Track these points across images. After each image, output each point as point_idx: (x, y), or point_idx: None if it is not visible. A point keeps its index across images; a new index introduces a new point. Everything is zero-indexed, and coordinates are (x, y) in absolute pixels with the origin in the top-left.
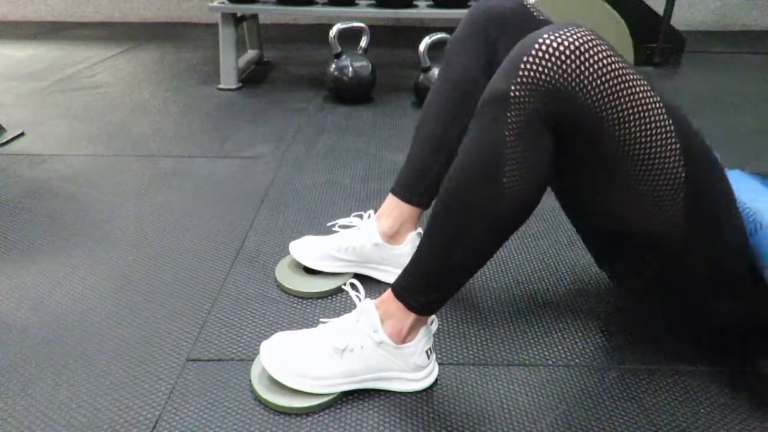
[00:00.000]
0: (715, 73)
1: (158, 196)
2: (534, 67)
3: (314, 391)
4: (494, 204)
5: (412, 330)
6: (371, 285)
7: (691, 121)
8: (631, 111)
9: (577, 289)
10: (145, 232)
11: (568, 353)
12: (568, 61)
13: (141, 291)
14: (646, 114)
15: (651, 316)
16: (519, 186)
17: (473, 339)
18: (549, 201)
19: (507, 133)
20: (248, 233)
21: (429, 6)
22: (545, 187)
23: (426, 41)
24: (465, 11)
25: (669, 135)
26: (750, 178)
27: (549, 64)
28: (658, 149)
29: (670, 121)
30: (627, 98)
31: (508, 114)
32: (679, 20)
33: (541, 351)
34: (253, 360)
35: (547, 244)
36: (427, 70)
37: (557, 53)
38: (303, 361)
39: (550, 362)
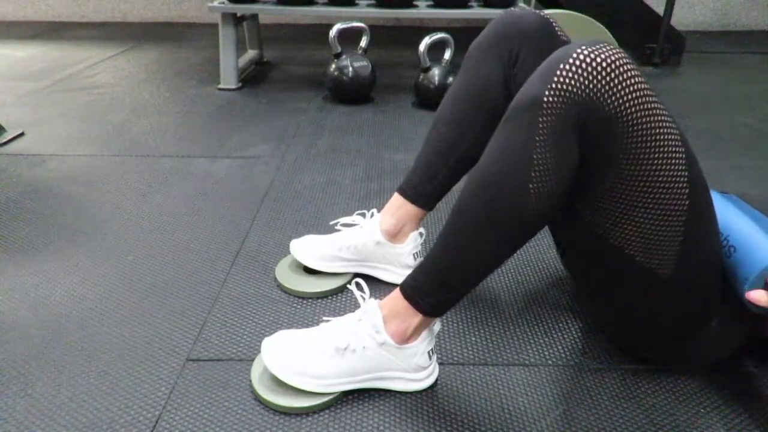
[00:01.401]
0: (715, 73)
1: (158, 195)
2: (569, 75)
3: (315, 390)
4: (518, 207)
5: (416, 331)
6: (371, 285)
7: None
8: (651, 135)
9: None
10: (145, 231)
11: (568, 353)
12: (603, 73)
13: (141, 291)
14: (665, 137)
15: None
16: (544, 191)
17: (473, 339)
18: None
19: (538, 137)
20: (248, 233)
21: (429, 6)
22: (566, 196)
23: (426, 41)
24: (465, 11)
25: (680, 160)
26: (717, 196)
27: (585, 74)
28: (669, 180)
29: (682, 149)
30: (650, 121)
31: (540, 119)
32: (679, 20)
33: (541, 351)
34: (253, 360)
35: (547, 244)
36: (427, 70)
37: (594, 64)
38: (304, 359)
39: (550, 362)
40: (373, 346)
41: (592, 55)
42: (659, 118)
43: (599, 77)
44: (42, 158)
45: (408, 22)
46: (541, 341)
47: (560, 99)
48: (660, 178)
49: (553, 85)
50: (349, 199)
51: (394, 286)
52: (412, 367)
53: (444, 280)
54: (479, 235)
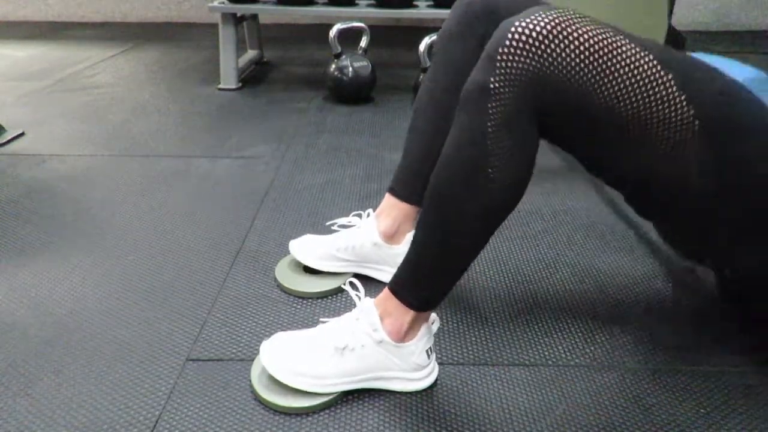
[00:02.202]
0: None
1: (158, 195)
2: (510, 57)
3: (314, 391)
4: (481, 195)
5: (412, 328)
6: (371, 285)
7: (704, 65)
8: (620, 77)
9: (577, 289)
10: (145, 232)
11: (568, 353)
12: (543, 47)
13: (141, 291)
14: (638, 75)
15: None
16: (505, 176)
17: (473, 339)
18: (549, 201)
19: (489, 124)
20: (248, 233)
21: (429, 6)
22: (531, 174)
23: (426, 41)
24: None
25: (668, 87)
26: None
27: (524, 52)
28: (659, 104)
29: (669, 75)
30: (612, 66)
31: (490, 106)
32: (679, 20)
33: (541, 351)
34: (253, 360)
35: (548, 244)
36: (426, 70)
37: (530, 40)
38: (303, 360)
39: (550, 362)
40: (371, 345)
41: (529, 28)
42: (621, 54)
43: (541, 48)
44: (42, 158)
45: (408, 22)
46: (541, 341)
47: (507, 82)
48: (650, 107)
49: (498, 71)
50: (349, 199)
51: None
52: (411, 366)
53: (425, 275)
54: (448, 227)
